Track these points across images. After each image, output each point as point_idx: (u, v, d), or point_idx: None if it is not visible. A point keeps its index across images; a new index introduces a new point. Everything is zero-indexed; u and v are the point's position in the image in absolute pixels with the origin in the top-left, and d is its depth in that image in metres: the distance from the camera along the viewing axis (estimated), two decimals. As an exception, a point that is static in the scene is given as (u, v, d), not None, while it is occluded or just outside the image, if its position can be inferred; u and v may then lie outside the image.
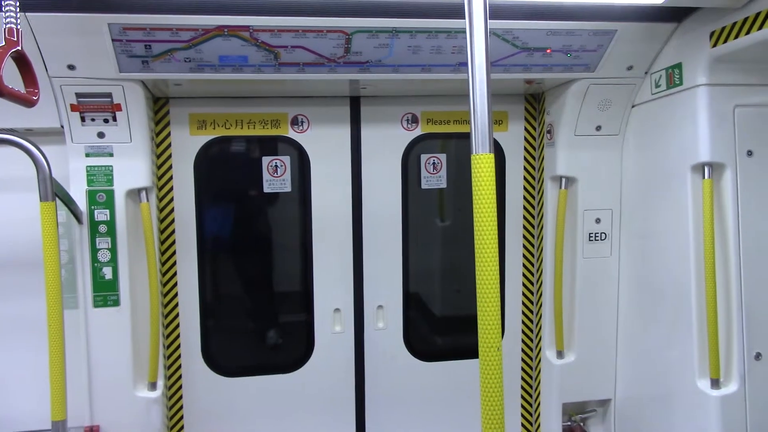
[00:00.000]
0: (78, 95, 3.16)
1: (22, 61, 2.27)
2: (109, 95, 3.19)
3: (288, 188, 3.94)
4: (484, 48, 1.67)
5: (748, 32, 2.73)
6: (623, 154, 3.76)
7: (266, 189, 3.91)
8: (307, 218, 3.95)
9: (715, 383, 3.10)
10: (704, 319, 3.10)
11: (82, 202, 3.33)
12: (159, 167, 3.72)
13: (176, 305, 3.84)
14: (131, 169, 3.38)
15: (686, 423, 3.27)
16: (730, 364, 3.13)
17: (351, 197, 3.98)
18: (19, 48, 2.21)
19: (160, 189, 3.73)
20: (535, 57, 3.28)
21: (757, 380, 3.12)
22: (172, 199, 3.76)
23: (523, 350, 4.28)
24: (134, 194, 3.43)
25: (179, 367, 3.88)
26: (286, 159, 3.91)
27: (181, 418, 3.90)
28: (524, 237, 4.19)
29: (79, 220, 3.32)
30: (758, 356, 3.12)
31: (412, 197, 4.08)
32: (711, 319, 3.04)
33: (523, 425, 4.33)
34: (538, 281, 4.15)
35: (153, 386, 3.52)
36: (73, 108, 3.20)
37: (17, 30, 2.21)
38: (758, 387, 3.11)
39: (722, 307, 3.12)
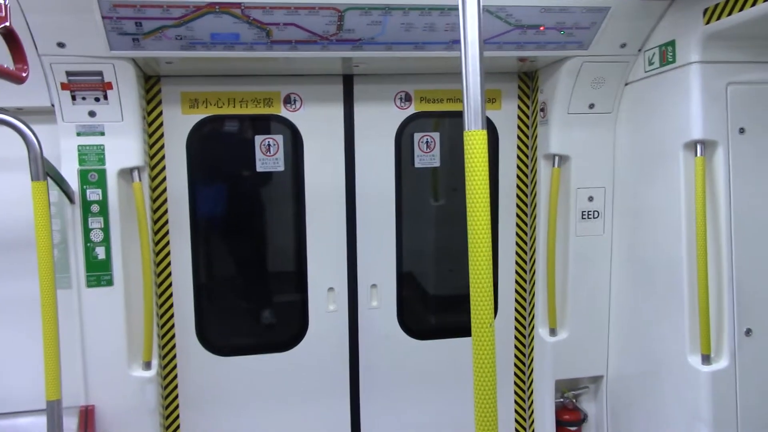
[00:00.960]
0: (68, 73, 3.14)
1: (10, 38, 2.24)
2: (100, 73, 3.17)
3: (281, 167, 3.93)
4: (477, 25, 1.65)
5: (741, 9, 2.72)
6: (616, 131, 3.76)
7: (259, 168, 3.90)
8: (300, 197, 3.94)
9: (706, 359, 3.13)
10: (695, 296, 3.12)
11: (73, 182, 3.31)
12: (151, 146, 3.70)
13: (170, 285, 3.84)
14: (123, 148, 3.36)
15: (677, 398, 3.31)
16: (721, 340, 3.16)
17: (344, 176, 3.97)
18: (8, 24, 2.18)
19: (152, 168, 3.71)
20: (529, 34, 3.27)
21: (748, 356, 3.15)
22: (164, 179, 3.75)
23: (516, 328, 4.31)
24: (126, 173, 3.41)
25: (174, 346, 3.89)
26: (279, 138, 3.89)
27: (176, 397, 3.91)
28: (517, 215, 4.20)
29: (71, 199, 3.31)
30: (749, 332, 3.15)
31: (405, 176, 4.08)
32: (702, 295, 3.06)
33: (516, 402, 4.37)
34: (531, 259, 4.16)
35: (147, 366, 3.53)
36: (64, 86, 3.17)
37: (5, 6, 2.17)
38: (748, 363, 3.15)
39: (713, 284, 3.14)
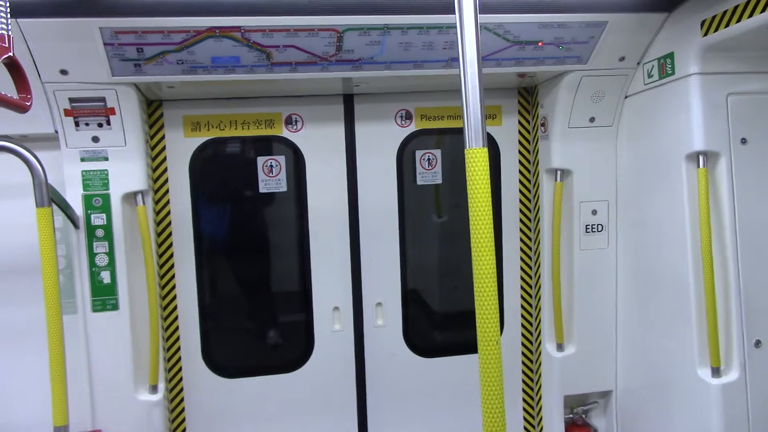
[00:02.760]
0: (71, 100, 3.16)
1: (14, 67, 2.26)
2: (103, 99, 3.19)
3: (284, 188, 3.94)
4: (475, 43, 1.67)
5: (738, 20, 2.73)
6: (617, 145, 3.76)
7: (262, 189, 3.91)
8: (303, 217, 3.95)
9: (716, 372, 3.11)
10: (703, 308, 3.10)
11: (78, 207, 3.33)
12: (154, 170, 3.72)
13: (175, 307, 3.84)
14: (126, 173, 3.38)
15: (688, 412, 3.28)
16: (730, 352, 3.14)
17: (347, 195, 3.98)
18: (11, 54, 2.20)
19: (155, 192, 3.73)
20: (527, 50, 3.28)
21: (758, 368, 3.12)
22: (168, 202, 3.76)
23: (523, 344, 4.29)
24: (130, 198, 3.43)
25: (180, 369, 3.88)
26: (281, 159, 3.91)
27: (183, 420, 3.90)
28: (521, 230, 4.20)
29: (75, 225, 3.32)
30: (758, 344, 3.12)
31: (408, 194, 4.09)
32: (710, 307, 3.04)
33: (525, 419, 4.33)
34: (536, 274, 4.15)
35: (154, 389, 3.52)
36: (67, 113, 3.20)
37: (8, 36, 2.20)
38: (759, 374, 3.12)
39: (721, 296, 3.12)
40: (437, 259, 4.41)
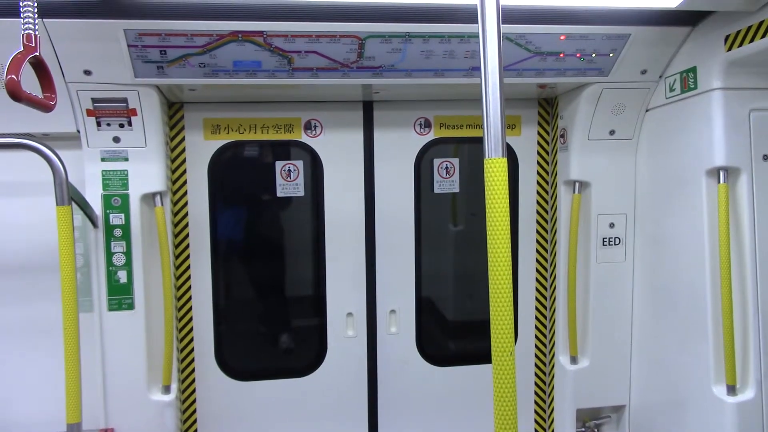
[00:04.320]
0: (94, 100, 3.19)
1: (39, 67, 2.30)
2: (125, 100, 3.22)
3: (301, 192, 3.95)
4: (497, 52, 1.67)
5: (763, 36, 2.71)
6: (637, 158, 3.74)
7: (279, 193, 3.93)
8: (320, 222, 3.96)
9: (732, 390, 3.07)
10: (720, 325, 3.07)
11: (97, 206, 3.35)
12: (173, 171, 3.75)
13: (190, 309, 3.86)
14: (146, 174, 3.40)
15: (702, 430, 3.24)
16: (747, 370, 3.10)
17: (364, 201, 3.98)
18: (37, 54, 2.23)
19: (174, 193, 3.75)
20: (549, 61, 3.28)
21: None
22: (186, 203, 3.78)
23: (536, 355, 4.26)
24: (149, 198, 3.45)
25: (193, 370, 3.90)
26: (299, 163, 3.92)
27: (195, 421, 3.91)
28: (537, 241, 4.18)
29: (94, 224, 3.35)
30: None
31: (424, 201, 4.08)
32: (727, 324, 3.01)
33: (536, 431, 4.30)
34: (551, 286, 4.13)
35: (167, 390, 3.54)
36: (89, 113, 3.23)
37: (35, 36, 2.23)
38: None
39: (738, 313, 3.08)
40: (452, 268, 4.40)
